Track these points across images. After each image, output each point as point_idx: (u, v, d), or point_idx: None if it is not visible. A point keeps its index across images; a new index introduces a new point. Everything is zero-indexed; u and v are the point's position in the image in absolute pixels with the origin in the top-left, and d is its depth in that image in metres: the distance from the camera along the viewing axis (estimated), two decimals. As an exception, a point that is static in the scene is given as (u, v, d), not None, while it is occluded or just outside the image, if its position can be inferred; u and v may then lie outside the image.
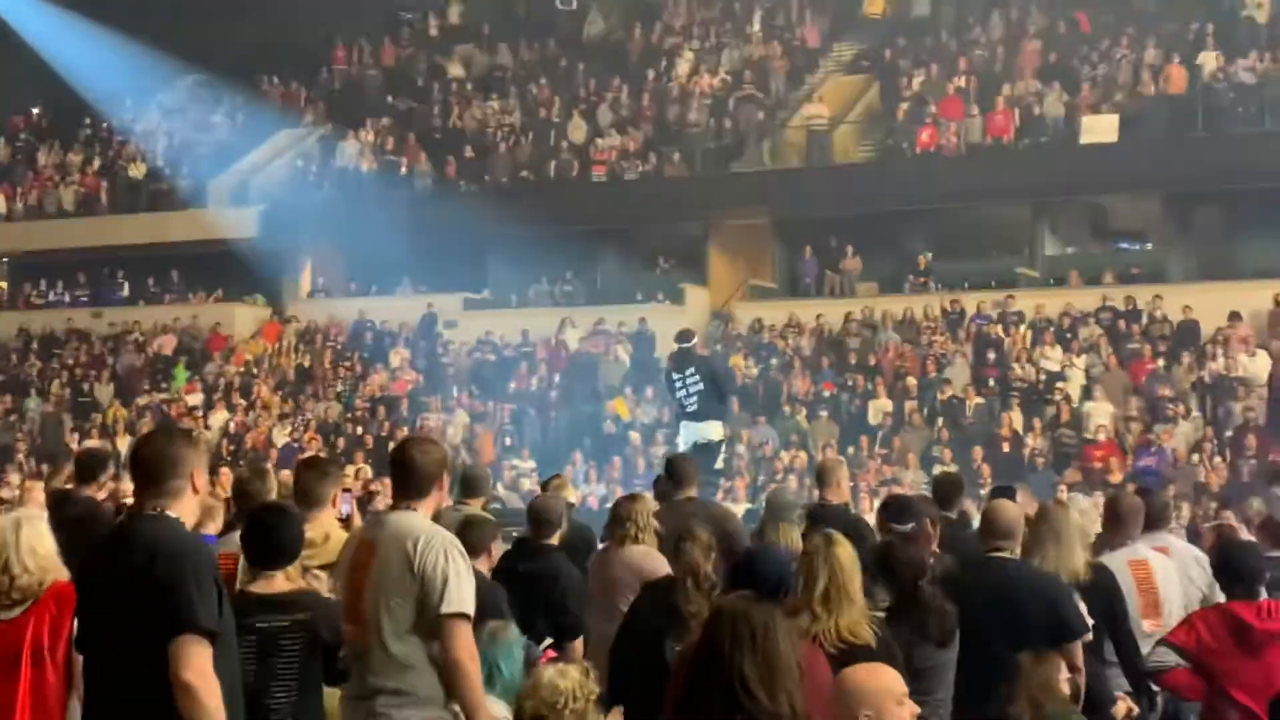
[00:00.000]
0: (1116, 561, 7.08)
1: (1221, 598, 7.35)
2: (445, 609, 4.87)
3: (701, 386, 13.25)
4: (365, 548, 5.09)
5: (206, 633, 4.13)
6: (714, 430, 13.36)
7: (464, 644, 4.89)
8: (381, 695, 4.91)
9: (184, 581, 4.12)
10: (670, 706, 4.05)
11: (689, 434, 13.35)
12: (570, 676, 4.34)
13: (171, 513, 4.31)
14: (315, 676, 5.11)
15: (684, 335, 13.85)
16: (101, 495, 9.24)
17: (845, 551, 5.20)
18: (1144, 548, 7.30)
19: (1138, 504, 7.62)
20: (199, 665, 4.09)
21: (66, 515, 7.81)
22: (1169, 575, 7.20)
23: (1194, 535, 11.06)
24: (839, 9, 31.62)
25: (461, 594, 4.92)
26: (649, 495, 8.46)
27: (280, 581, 5.11)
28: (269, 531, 5.19)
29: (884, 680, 3.75)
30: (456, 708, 4.92)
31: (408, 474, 5.17)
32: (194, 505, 4.45)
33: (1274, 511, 8.38)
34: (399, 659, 4.90)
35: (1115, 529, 7.35)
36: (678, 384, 13.34)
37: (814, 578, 5.16)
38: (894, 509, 7.80)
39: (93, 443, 24.25)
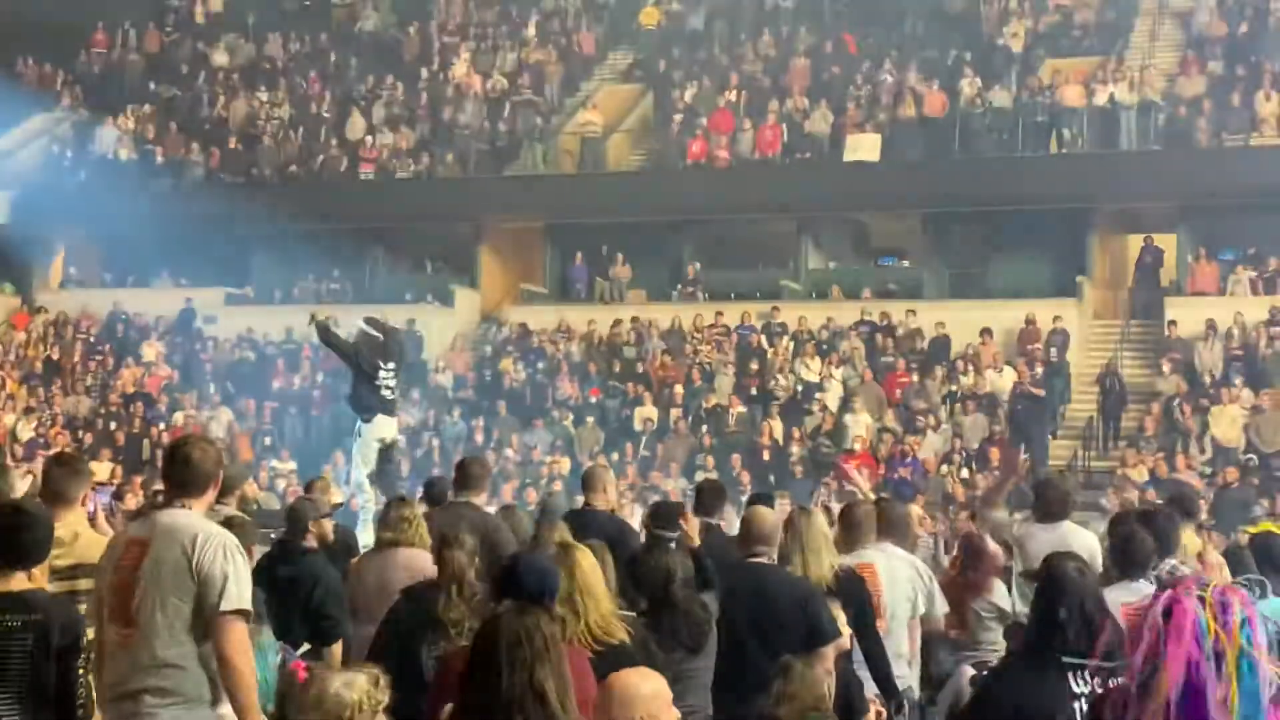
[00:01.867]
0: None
1: (942, 608, 7.68)
2: (225, 606, 4.84)
3: (396, 381, 12.92)
4: (135, 546, 4.99)
5: None
6: (393, 428, 13.08)
7: (239, 641, 4.87)
8: (147, 694, 4.84)
9: None
10: (438, 713, 4.00)
11: (387, 430, 12.95)
12: (357, 686, 4.16)
13: None
14: (45, 680, 4.85)
15: (378, 323, 13.34)
16: None
17: (584, 555, 5.27)
18: (872, 552, 7.55)
19: (871, 511, 7.90)
20: None
21: None
22: (894, 580, 7.46)
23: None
24: (614, 18, 31.90)
25: (241, 591, 4.90)
26: (415, 499, 8.39)
27: (18, 580, 4.90)
28: (16, 531, 4.95)
29: (655, 684, 3.78)
30: (224, 710, 4.86)
31: (184, 473, 5.10)
32: None
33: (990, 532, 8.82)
34: (169, 659, 4.85)
35: (847, 534, 7.63)
36: (385, 374, 12.77)
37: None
38: (661, 516, 7.90)
39: None
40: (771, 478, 20.18)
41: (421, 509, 10.03)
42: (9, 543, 4.92)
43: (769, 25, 30.03)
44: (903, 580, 7.48)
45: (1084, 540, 7.67)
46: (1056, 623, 4.21)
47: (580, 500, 9.48)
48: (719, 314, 25.31)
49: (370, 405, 12.82)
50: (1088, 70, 26.47)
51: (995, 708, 4.27)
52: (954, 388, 22.60)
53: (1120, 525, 6.99)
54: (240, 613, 4.88)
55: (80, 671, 4.90)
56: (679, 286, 27.33)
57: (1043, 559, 4.62)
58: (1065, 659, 4.12)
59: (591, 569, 5.22)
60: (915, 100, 26.37)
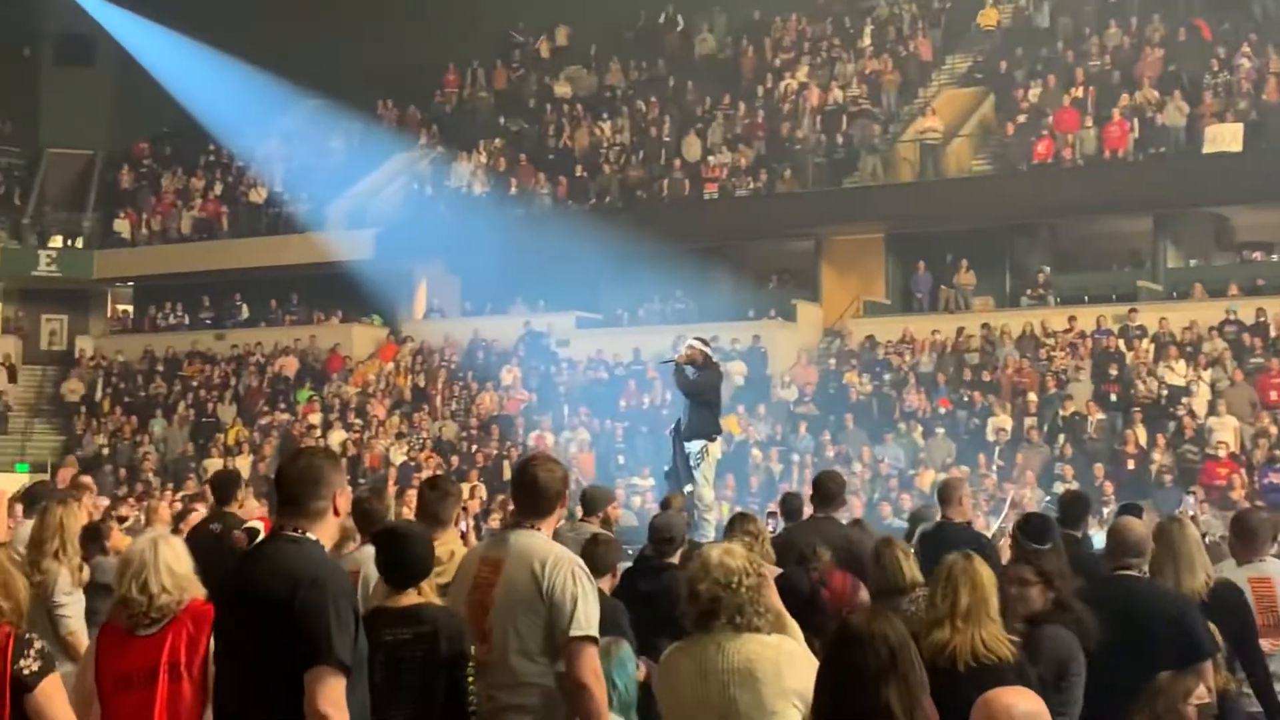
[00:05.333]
0: (1238, 577, 6.95)
1: None
2: (574, 631, 4.90)
3: None
4: (489, 566, 5.12)
5: (342, 665, 4.09)
6: None
7: (591, 665, 4.92)
8: (509, 712, 4.97)
9: (324, 611, 4.08)
10: None
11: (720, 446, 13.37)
12: (737, 555, 4.46)
13: (312, 535, 4.29)
14: (435, 691, 5.01)
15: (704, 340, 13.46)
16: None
17: (985, 568, 5.23)
18: (1270, 564, 7.14)
19: (1265, 519, 7.48)
20: (334, 698, 4.06)
21: (206, 535, 8.01)
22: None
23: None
24: (952, 21, 31.35)
25: (589, 616, 4.95)
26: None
27: (409, 596, 5.12)
28: (398, 552, 5.18)
29: (1032, 704, 3.71)
30: None
31: (531, 493, 5.19)
32: (334, 528, 4.43)
33: None
34: (523, 677, 4.95)
35: (1242, 544, 7.22)
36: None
37: (955, 591, 5.14)
38: (1033, 529, 7.68)
39: (214, 462, 24.78)
40: (1135, 488, 19.34)
41: (769, 524, 10.19)
42: (393, 563, 5.16)
43: (1115, 17, 28.92)
44: None
45: None
46: None
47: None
48: (1072, 319, 24.47)
49: (717, 424, 13.02)
50: None
51: None
52: (1333, 388, 21.17)
53: None
54: (589, 637, 4.92)
55: (470, 680, 5.11)
56: (1027, 292, 26.58)
57: None
58: None
59: (990, 584, 5.18)
60: (1279, 84, 24.88)
